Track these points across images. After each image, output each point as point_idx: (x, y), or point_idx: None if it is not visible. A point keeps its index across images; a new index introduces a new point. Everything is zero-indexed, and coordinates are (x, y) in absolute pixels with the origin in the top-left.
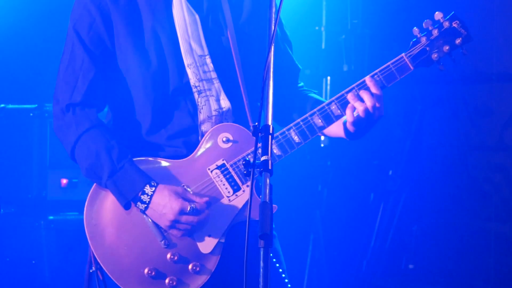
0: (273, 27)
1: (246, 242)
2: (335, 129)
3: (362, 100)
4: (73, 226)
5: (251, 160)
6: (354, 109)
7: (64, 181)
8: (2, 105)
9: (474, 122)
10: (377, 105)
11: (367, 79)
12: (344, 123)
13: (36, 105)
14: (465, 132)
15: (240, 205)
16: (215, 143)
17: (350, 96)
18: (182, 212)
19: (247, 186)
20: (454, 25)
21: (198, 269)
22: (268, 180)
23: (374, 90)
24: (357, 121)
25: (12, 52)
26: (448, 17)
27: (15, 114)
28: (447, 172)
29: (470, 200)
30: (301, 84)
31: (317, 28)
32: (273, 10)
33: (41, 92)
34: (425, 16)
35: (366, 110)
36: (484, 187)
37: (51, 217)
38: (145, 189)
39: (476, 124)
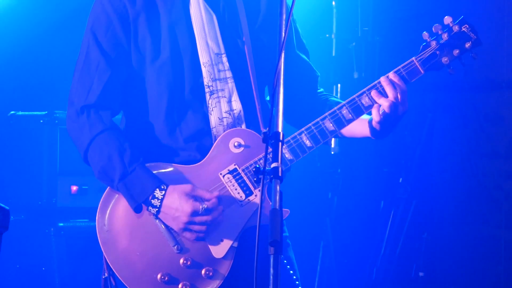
0: (283, 34)
1: (257, 248)
2: (361, 129)
3: (386, 96)
4: (83, 233)
5: (261, 166)
6: (379, 106)
7: (74, 188)
8: (12, 112)
9: (484, 129)
10: (400, 99)
11: (382, 80)
12: (370, 122)
13: (46, 112)
14: (475, 139)
15: (252, 210)
16: (227, 147)
17: (374, 93)
18: (195, 213)
19: (259, 190)
20: (464, 29)
21: (211, 274)
22: (278, 187)
23: (397, 82)
24: (383, 119)
25: (21, 59)
26: (457, 21)
27: (25, 120)
28: (457, 179)
29: (480, 207)
30: (321, 89)
31: (327, 35)
32: (283, 17)
33: (51, 98)
34: (435, 23)
35: (392, 105)
36: (494, 194)
37: (61, 224)
38: (155, 193)
39: (486, 131)
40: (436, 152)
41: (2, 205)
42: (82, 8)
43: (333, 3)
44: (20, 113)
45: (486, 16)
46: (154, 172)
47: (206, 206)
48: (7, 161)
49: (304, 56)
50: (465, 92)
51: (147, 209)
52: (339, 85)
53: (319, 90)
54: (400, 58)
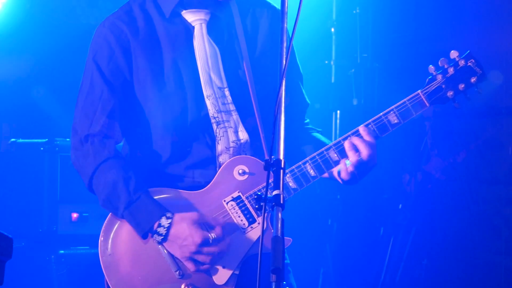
0: (284, 61)
1: (258, 275)
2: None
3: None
4: (84, 261)
5: (264, 194)
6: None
7: (75, 215)
8: (13, 139)
9: (484, 156)
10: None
11: (383, 117)
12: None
13: (47, 139)
14: (475, 165)
15: (255, 237)
16: (231, 175)
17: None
18: (204, 243)
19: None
20: (470, 63)
21: None
22: (280, 215)
23: (367, 138)
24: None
25: (22, 87)
26: (463, 55)
27: (25, 148)
28: (457, 206)
29: (480, 233)
30: (307, 120)
31: (326, 62)
32: (284, 45)
33: (51, 126)
34: (434, 50)
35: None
36: (494, 220)
37: (61, 251)
38: (161, 221)
39: (486, 157)
40: (435, 178)
41: (6, 233)
42: (83, 36)
43: (332, 29)
44: (20, 140)
45: (485, 44)
46: (158, 197)
47: (215, 236)
48: (8, 188)
49: (298, 82)
50: (465, 118)
51: (152, 236)
52: (338, 111)
53: (305, 121)
54: (399, 85)
